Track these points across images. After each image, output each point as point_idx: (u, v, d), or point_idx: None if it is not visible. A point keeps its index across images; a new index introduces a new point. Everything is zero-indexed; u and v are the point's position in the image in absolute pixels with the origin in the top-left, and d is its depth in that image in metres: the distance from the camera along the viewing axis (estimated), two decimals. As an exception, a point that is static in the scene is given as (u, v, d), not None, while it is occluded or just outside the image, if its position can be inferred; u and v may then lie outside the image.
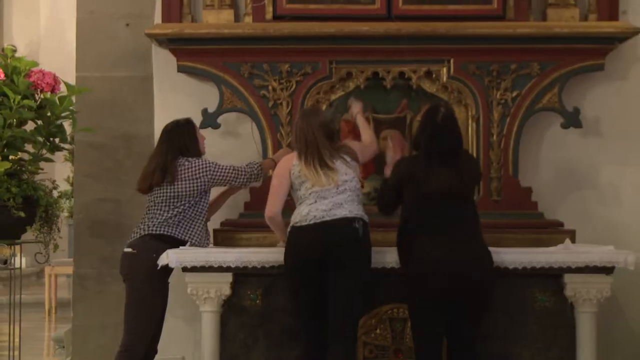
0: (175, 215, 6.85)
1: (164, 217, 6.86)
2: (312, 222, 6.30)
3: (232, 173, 6.91)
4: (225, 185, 7.05)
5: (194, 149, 6.94)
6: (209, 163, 6.89)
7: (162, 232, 6.83)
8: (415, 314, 6.35)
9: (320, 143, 6.40)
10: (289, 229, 6.42)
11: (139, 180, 6.96)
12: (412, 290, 6.31)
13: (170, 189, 6.84)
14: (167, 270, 6.69)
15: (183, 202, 6.85)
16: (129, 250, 6.88)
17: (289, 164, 6.48)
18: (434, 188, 6.22)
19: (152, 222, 6.88)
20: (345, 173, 6.39)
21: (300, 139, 6.46)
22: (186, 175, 6.82)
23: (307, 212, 6.34)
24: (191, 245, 6.89)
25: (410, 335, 6.68)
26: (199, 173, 6.82)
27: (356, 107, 7.15)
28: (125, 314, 6.88)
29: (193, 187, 6.81)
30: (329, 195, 6.34)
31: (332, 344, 6.32)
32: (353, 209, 6.36)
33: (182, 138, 6.93)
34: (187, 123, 7.01)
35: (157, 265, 6.60)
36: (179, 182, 6.82)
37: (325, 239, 6.27)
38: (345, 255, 6.28)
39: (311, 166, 6.37)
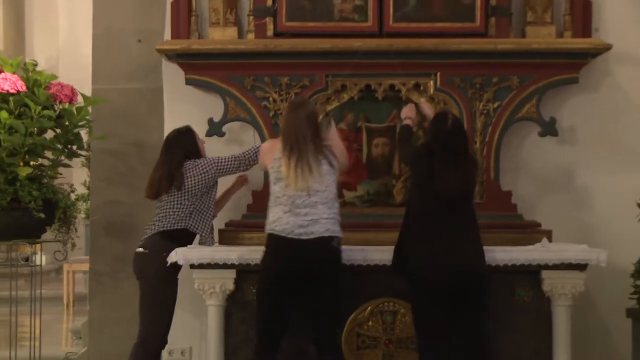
0: (187, 208, 6.88)
1: (175, 214, 6.90)
2: (290, 235, 6.21)
3: (234, 162, 6.94)
4: (230, 174, 7.05)
5: (196, 153, 6.99)
6: (213, 158, 6.95)
7: (174, 227, 6.87)
8: (419, 313, 6.39)
9: (308, 139, 6.25)
10: (267, 231, 6.34)
11: (147, 187, 7.02)
12: (417, 287, 6.37)
13: (179, 193, 6.88)
14: (176, 267, 6.73)
15: (194, 197, 6.90)
16: (141, 250, 6.92)
17: (272, 154, 6.36)
18: (446, 191, 6.27)
19: (163, 222, 6.91)
20: (320, 182, 6.23)
21: (287, 130, 6.35)
22: (195, 172, 6.85)
23: (285, 223, 6.24)
24: (200, 236, 6.94)
25: (400, 326, 6.76)
26: (206, 167, 6.87)
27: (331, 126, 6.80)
28: (140, 309, 6.93)
29: (203, 181, 6.85)
30: (302, 205, 6.21)
31: (323, 356, 6.39)
32: (330, 226, 6.25)
33: (185, 145, 6.97)
34: (188, 131, 7.05)
35: (167, 263, 6.66)
36: (189, 180, 6.85)
37: (304, 257, 6.22)
38: (323, 273, 6.27)
39: (294, 165, 6.20)
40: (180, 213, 6.91)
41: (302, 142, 6.23)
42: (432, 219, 6.36)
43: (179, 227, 6.88)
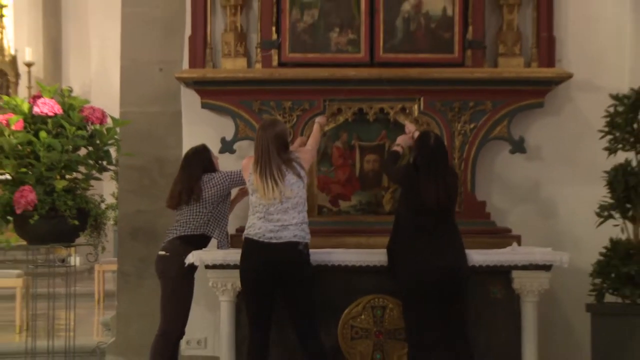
0: (205, 216, 6.85)
1: (193, 221, 6.87)
2: (262, 240, 6.24)
3: (242, 175, 6.79)
4: (240, 185, 6.97)
5: (211, 168, 6.96)
6: (226, 172, 6.91)
7: (191, 233, 6.84)
8: (408, 309, 6.38)
9: (273, 155, 6.25)
10: (243, 236, 6.35)
11: (167, 198, 6.99)
12: (406, 287, 6.36)
13: (197, 204, 6.85)
14: (193, 268, 6.70)
15: (211, 206, 6.86)
16: (163, 253, 6.90)
17: (248, 169, 6.37)
18: (428, 201, 6.24)
19: (182, 228, 6.88)
20: (291, 189, 6.25)
21: (257, 148, 6.33)
22: (211, 184, 6.83)
23: (258, 228, 6.26)
24: (218, 241, 6.91)
25: (389, 319, 6.72)
26: (221, 180, 6.84)
27: (320, 120, 7.07)
28: (161, 305, 6.92)
29: (218, 192, 6.82)
30: (274, 212, 6.22)
31: (307, 344, 6.40)
32: (298, 232, 6.27)
33: (202, 161, 6.95)
34: (204, 149, 7.04)
35: (185, 264, 6.64)
36: (206, 192, 6.84)
37: (274, 259, 6.24)
38: (295, 273, 6.30)
39: (262, 178, 6.22)
40: (199, 220, 6.88)
41: (267, 158, 6.24)
42: (418, 227, 6.35)
43: (197, 233, 6.84)
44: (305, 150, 6.69)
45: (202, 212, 6.87)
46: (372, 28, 7.17)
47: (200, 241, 6.81)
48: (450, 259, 6.33)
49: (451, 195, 6.40)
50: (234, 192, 7.15)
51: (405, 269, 6.36)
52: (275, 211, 6.24)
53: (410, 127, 6.97)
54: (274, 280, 6.30)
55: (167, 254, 6.88)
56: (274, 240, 6.23)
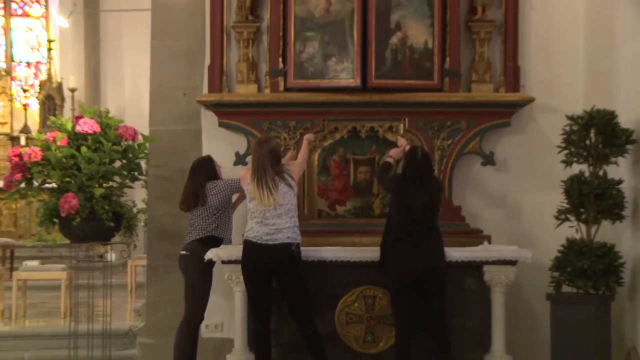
0: (214, 222, 6.84)
1: (205, 225, 6.86)
2: (259, 242, 6.28)
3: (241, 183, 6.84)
4: (240, 192, 6.93)
5: (214, 176, 6.95)
6: (227, 180, 6.90)
7: (206, 235, 6.84)
8: (396, 299, 6.37)
9: (267, 167, 6.29)
10: (243, 239, 6.41)
11: (180, 202, 7.01)
12: (395, 280, 6.37)
13: (204, 208, 6.86)
14: (211, 263, 6.71)
15: (217, 212, 6.85)
16: (184, 252, 6.93)
17: (246, 180, 6.40)
18: (415, 207, 6.24)
19: (197, 230, 6.89)
20: (283, 197, 6.28)
21: (254, 161, 6.38)
22: (214, 192, 6.82)
23: (256, 232, 6.30)
24: (225, 238, 6.92)
25: (378, 307, 6.72)
26: (223, 187, 6.83)
27: (309, 136, 7.08)
28: (185, 296, 6.95)
29: (222, 198, 6.81)
30: (270, 217, 6.27)
31: (305, 327, 6.45)
32: (290, 234, 6.31)
33: (206, 170, 6.95)
34: (209, 160, 7.04)
35: (204, 260, 6.66)
36: (210, 198, 6.84)
37: (271, 259, 6.30)
38: (288, 269, 6.35)
39: (259, 187, 6.26)
40: (211, 225, 6.88)
41: (262, 170, 6.28)
42: (405, 230, 6.34)
43: (208, 235, 6.84)
44: (295, 163, 6.74)
45: (210, 217, 6.87)
46: (364, 58, 7.13)
47: (213, 242, 6.79)
48: (432, 259, 6.33)
49: (435, 203, 6.39)
50: (234, 197, 7.13)
51: (393, 267, 6.37)
52: (270, 216, 6.28)
53: (402, 141, 6.96)
54: (270, 275, 6.38)
55: (188, 253, 6.90)
56: (270, 242, 6.28)
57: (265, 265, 6.32)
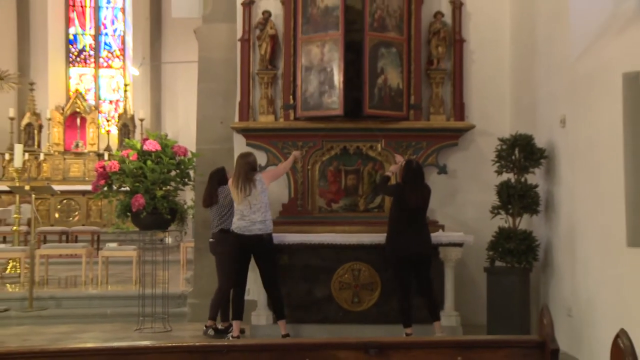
0: (228, 217, 6.76)
1: (223, 220, 6.82)
2: (241, 232, 6.28)
3: None
4: None
5: (225, 181, 6.84)
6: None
7: (223, 227, 6.80)
8: (397, 271, 6.35)
9: (245, 176, 6.27)
10: (231, 230, 6.38)
11: (202, 201, 7.04)
12: (395, 258, 6.33)
13: (217, 206, 6.85)
14: (235, 246, 6.51)
15: (228, 209, 6.78)
16: (211, 240, 6.98)
17: (232, 186, 6.36)
18: (411, 204, 6.23)
19: (216, 222, 6.88)
20: (256, 198, 6.25)
21: (236, 170, 6.37)
22: (224, 194, 6.79)
23: (238, 225, 6.30)
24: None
25: (362, 277, 6.70)
26: (228, 191, 6.69)
27: (296, 153, 7.06)
28: (217, 271, 6.99)
29: (230, 199, 6.67)
30: (247, 214, 6.26)
31: (271, 291, 6.46)
32: (262, 227, 6.27)
33: (219, 177, 6.91)
34: (222, 169, 6.98)
35: (225, 245, 6.62)
36: (222, 199, 6.81)
37: (250, 243, 6.30)
38: (261, 252, 6.36)
39: (237, 191, 6.27)
40: (224, 219, 6.81)
41: (240, 178, 6.28)
42: (402, 221, 6.30)
43: (225, 227, 6.75)
44: (270, 171, 6.80)
45: (223, 213, 6.82)
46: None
47: (229, 232, 6.63)
48: (421, 244, 6.29)
49: (425, 202, 6.35)
50: None
51: (394, 249, 6.33)
52: (247, 213, 6.28)
53: (399, 158, 6.91)
54: (247, 255, 6.37)
55: (214, 240, 6.93)
56: (246, 233, 6.29)
57: (245, 249, 6.34)
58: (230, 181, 6.46)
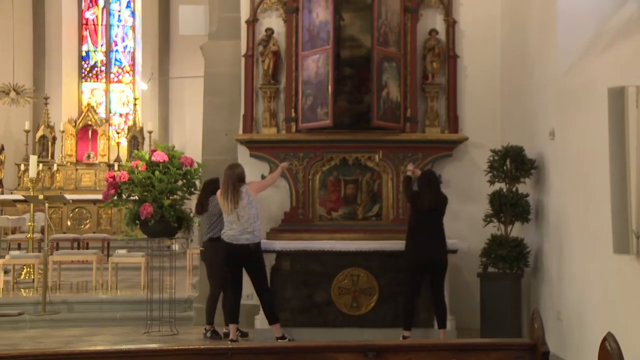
0: (217, 225, 6.73)
1: (211, 228, 6.81)
2: (231, 241, 6.30)
3: None
4: None
5: (216, 191, 6.74)
6: None
7: (212, 236, 6.79)
8: (409, 274, 6.36)
9: (232, 187, 6.27)
10: (222, 238, 6.39)
11: (194, 207, 7.03)
12: (410, 262, 6.34)
13: (207, 214, 6.84)
14: (223, 255, 6.52)
15: (217, 217, 6.75)
16: (201, 248, 7.05)
17: (220, 197, 6.37)
18: (423, 207, 6.27)
19: (205, 230, 6.89)
20: (244, 209, 6.25)
21: (224, 181, 6.37)
22: (214, 204, 6.73)
23: (227, 235, 6.32)
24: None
25: (361, 282, 6.70)
26: (217, 201, 6.61)
27: (284, 164, 7.05)
28: (207, 279, 7.02)
29: (219, 208, 6.60)
30: (236, 225, 6.27)
31: (262, 297, 6.47)
32: (250, 237, 6.28)
33: (212, 187, 6.84)
34: (215, 180, 6.88)
35: (214, 253, 6.65)
36: (212, 208, 6.78)
37: (237, 253, 6.32)
38: (249, 261, 6.37)
39: (225, 202, 6.28)
40: (214, 227, 6.78)
41: (227, 189, 6.28)
42: (419, 226, 6.33)
43: (214, 236, 6.74)
44: (257, 183, 6.73)
45: (212, 221, 6.79)
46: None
47: (217, 240, 6.64)
48: (435, 247, 6.28)
49: (439, 205, 6.35)
50: None
51: (411, 253, 6.34)
52: (235, 224, 6.30)
53: (410, 166, 6.93)
54: (238, 262, 6.37)
55: (203, 248, 6.96)
56: (234, 242, 6.30)
57: (234, 257, 6.35)
58: (218, 192, 6.44)
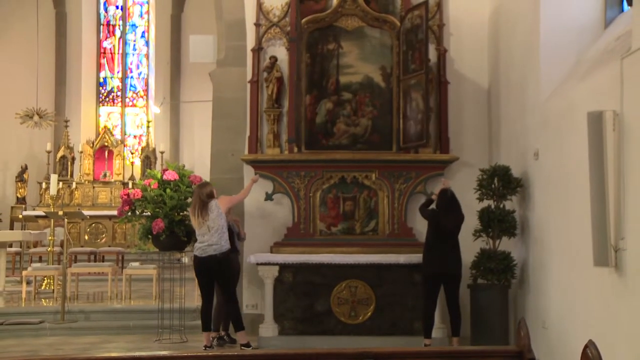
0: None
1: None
2: (199, 254, 6.28)
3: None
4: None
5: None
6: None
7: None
8: (427, 287, 6.36)
9: (201, 204, 6.26)
10: (193, 253, 6.37)
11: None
12: (426, 275, 6.34)
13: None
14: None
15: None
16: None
17: (191, 213, 6.37)
18: (446, 229, 6.25)
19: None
20: (213, 222, 6.22)
21: (193, 198, 6.37)
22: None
23: (198, 247, 6.29)
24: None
25: (359, 293, 6.69)
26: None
27: (254, 177, 7.03)
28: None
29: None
30: (205, 237, 6.24)
31: (227, 306, 6.43)
32: (217, 248, 6.24)
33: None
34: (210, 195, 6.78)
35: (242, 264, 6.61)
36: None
37: (205, 264, 6.27)
38: (216, 271, 6.29)
39: (194, 218, 6.28)
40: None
41: (196, 205, 6.27)
42: (436, 243, 6.32)
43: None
44: (227, 197, 6.71)
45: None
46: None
47: None
48: (450, 261, 6.26)
49: (458, 225, 6.33)
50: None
51: (428, 266, 6.34)
52: (204, 237, 6.27)
53: (447, 182, 6.73)
54: (209, 273, 6.32)
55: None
56: (203, 255, 6.26)
57: (203, 268, 6.30)
58: (189, 209, 6.43)
